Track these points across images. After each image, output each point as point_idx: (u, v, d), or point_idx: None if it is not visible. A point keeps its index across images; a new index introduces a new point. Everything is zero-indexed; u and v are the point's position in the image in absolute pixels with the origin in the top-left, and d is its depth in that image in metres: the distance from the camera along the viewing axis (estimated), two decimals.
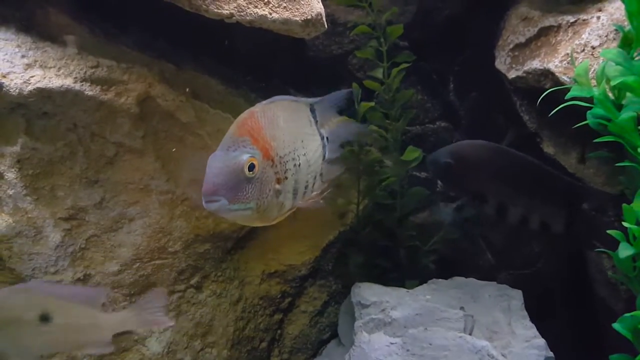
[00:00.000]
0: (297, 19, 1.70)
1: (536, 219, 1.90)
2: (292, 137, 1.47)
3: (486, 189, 1.92)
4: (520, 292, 1.92)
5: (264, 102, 1.48)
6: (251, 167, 1.34)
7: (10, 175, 1.76)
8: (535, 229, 1.90)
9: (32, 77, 1.69)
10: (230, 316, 2.13)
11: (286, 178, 1.43)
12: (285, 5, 1.68)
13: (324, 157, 1.59)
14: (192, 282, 2.06)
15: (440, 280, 2.02)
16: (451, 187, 2.24)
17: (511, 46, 1.98)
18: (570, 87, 1.60)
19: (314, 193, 1.56)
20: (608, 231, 1.55)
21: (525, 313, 1.87)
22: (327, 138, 1.61)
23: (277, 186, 1.40)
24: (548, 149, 1.97)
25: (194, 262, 2.03)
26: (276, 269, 2.18)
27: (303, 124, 1.54)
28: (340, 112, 1.69)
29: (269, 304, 2.20)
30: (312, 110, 1.59)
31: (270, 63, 2.27)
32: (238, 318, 2.15)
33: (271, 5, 1.67)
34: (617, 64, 1.47)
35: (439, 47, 2.37)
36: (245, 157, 1.33)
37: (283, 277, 2.19)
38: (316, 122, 1.59)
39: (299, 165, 1.47)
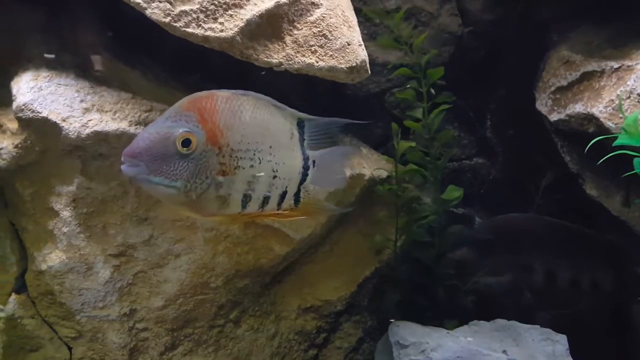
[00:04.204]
0: (343, 66, 1.74)
1: (586, 281, 1.89)
2: (255, 137, 1.34)
3: (532, 260, 1.94)
4: (564, 336, 1.89)
5: (236, 90, 1.38)
6: (186, 143, 1.23)
7: (66, 213, 1.84)
8: (585, 290, 1.90)
9: (89, 120, 1.76)
10: (266, 351, 2.14)
11: (236, 175, 1.30)
12: (331, 53, 1.74)
13: (302, 179, 1.45)
14: (231, 316, 2.09)
15: (481, 322, 1.99)
16: (495, 262, 2.23)
17: (552, 89, 1.99)
18: (617, 135, 1.59)
19: (281, 210, 1.42)
20: None
21: (571, 359, 1.83)
22: (313, 162, 1.46)
23: (220, 178, 1.28)
24: (591, 191, 1.96)
25: (233, 297, 2.07)
26: (312, 304, 2.19)
27: (279, 131, 1.40)
28: (333, 140, 1.53)
29: (304, 339, 2.20)
30: (301, 126, 1.46)
31: (309, 101, 2.33)
32: (274, 353, 2.16)
33: (318, 53, 1.73)
34: None
35: (476, 85, 2.40)
36: (180, 131, 1.22)
37: (318, 312, 2.20)
38: (302, 139, 1.46)
39: (259, 170, 1.34)
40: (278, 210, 1.42)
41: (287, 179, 1.41)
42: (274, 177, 1.37)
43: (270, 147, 1.37)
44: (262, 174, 1.35)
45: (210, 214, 1.34)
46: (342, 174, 1.58)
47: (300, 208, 1.47)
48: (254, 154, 1.33)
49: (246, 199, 1.34)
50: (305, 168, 1.45)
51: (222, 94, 1.35)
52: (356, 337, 2.27)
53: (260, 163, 1.34)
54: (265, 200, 1.38)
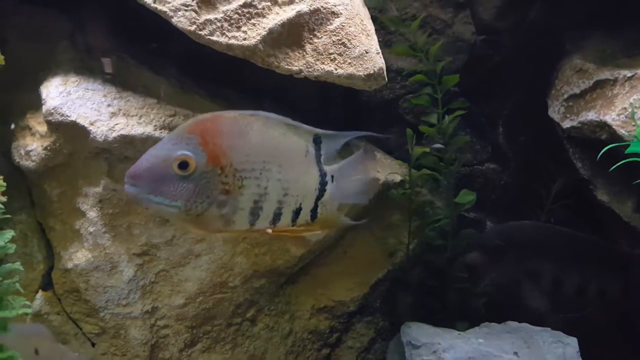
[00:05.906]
0: (361, 73, 1.79)
1: (593, 289, 1.93)
2: (262, 156, 1.35)
3: (540, 267, 1.98)
4: (575, 339, 1.92)
5: (245, 111, 1.38)
6: (183, 165, 1.26)
7: (92, 214, 1.90)
8: (593, 297, 1.94)
9: (116, 124, 1.83)
10: (281, 350, 2.19)
11: (241, 194, 1.33)
12: (350, 61, 1.79)
13: (320, 195, 1.45)
14: (248, 315, 2.14)
15: (493, 324, 2.03)
16: (503, 269, 2.26)
17: (565, 96, 2.03)
18: (630, 143, 1.63)
19: (296, 226, 1.43)
20: None
21: None
22: (332, 177, 1.47)
23: (223, 197, 1.30)
24: (602, 196, 1.99)
25: (250, 296, 2.12)
26: (325, 304, 2.24)
27: (290, 149, 1.41)
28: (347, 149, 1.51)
29: (318, 339, 2.25)
30: (317, 142, 1.45)
31: (325, 107, 2.38)
32: (288, 352, 2.21)
33: (337, 61, 1.78)
34: None
35: (489, 92, 2.44)
36: (177, 153, 1.26)
37: (332, 313, 2.25)
38: (319, 155, 1.45)
39: (266, 188, 1.36)
40: (293, 225, 1.44)
41: (301, 196, 1.43)
42: (285, 194, 1.39)
43: (280, 165, 1.38)
44: (269, 192, 1.37)
45: (216, 230, 1.38)
46: (364, 184, 1.55)
47: (317, 223, 1.49)
48: (260, 173, 1.35)
49: (254, 217, 1.37)
50: (323, 184, 1.46)
51: (229, 114, 1.38)
52: (368, 337, 2.31)
53: (268, 181, 1.36)
54: (277, 216, 1.40)
